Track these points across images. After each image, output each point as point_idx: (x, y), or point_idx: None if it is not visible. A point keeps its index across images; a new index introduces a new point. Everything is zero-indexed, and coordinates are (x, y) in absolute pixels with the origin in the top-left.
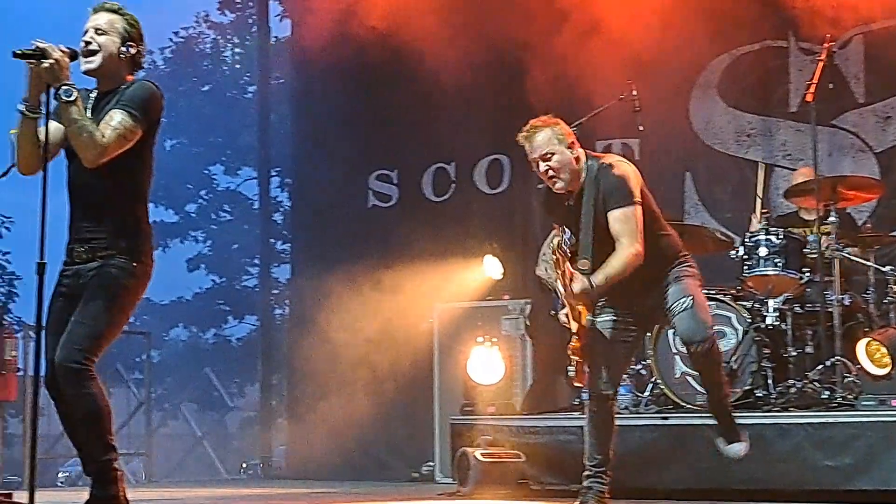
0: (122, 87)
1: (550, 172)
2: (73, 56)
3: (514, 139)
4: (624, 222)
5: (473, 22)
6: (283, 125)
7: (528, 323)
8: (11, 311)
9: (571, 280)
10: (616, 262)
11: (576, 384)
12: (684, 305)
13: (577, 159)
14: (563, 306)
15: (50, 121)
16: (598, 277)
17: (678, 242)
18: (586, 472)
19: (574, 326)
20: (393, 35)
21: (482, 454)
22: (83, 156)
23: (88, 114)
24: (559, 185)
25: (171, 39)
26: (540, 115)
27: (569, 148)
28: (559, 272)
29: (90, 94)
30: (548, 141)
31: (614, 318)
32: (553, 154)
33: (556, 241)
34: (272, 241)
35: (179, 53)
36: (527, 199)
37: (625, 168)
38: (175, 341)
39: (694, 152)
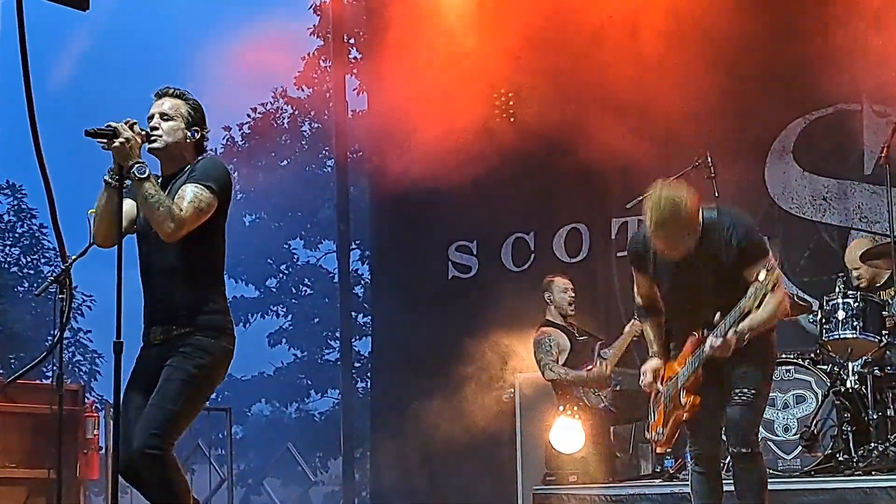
0: (188, 167)
1: (668, 242)
2: (147, 137)
3: (591, 208)
4: (761, 262)
5: (550, 89)
6: (362, 198)
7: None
8: (94, 390)
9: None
10: (763, 312)
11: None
12: (745, 398)
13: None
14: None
15: (125, 198)
16: (744, 325)
17: None
18: None
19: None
20: (471, 107)
21: None
22: (161, 230)
23: None
24: (676, 255)
25: (248, 115)
26: (615, 183)
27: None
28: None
29: (158, 179)
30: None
31: None
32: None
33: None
34: (353, 314)
35: (257, 129)
36: (606, 268)
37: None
38: (257, 416)
39: (770, 217)
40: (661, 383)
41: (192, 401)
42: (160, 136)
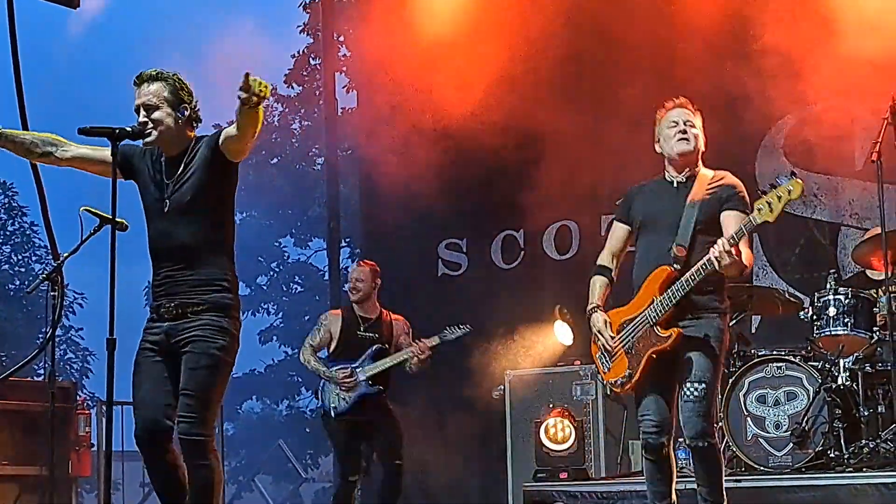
0: (191, 144)
1: (688, 134)
2: (139, 135)
3: (580, 204)
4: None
5: (542, 90)
6: (352, 196)
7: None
8: (85, 387)
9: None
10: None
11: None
12: (695, 395)
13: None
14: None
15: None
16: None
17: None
18: None
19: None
20: (461, 104)
21: None
22: (247, 147)
23: (163, 176)
24: (685, 146)
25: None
26: (608, 179)
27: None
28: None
29: (161, 157)
30: (694, 115)
31: None
32: (695, 126)
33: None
34: None
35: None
36: (595, 264)
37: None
38: (248, 414)
39: None
40: (612, 330)
41: (221, 383)
42: (151, 131)
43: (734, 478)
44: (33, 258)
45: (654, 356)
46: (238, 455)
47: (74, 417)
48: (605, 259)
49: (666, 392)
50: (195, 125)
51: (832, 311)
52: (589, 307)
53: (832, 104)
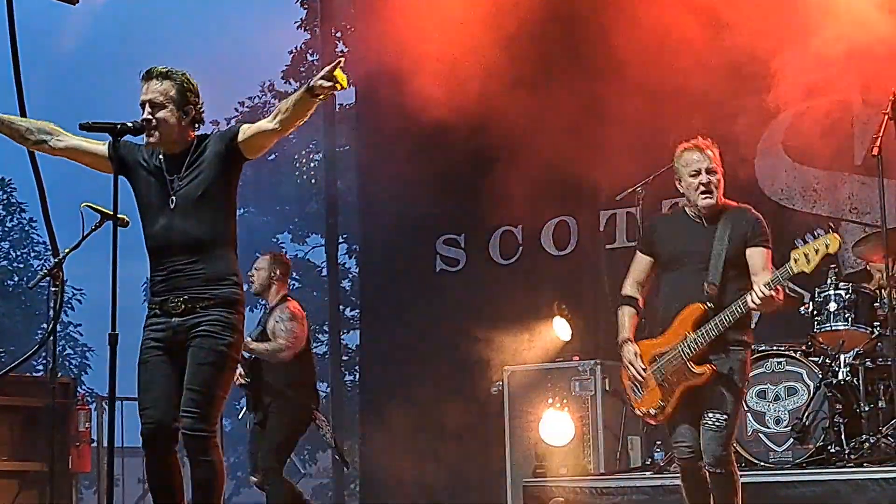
0: (194, 142)
1: (711, 186)
2: (138, 131)
3: (579, 200)
4: (768, 260)
5: (538, 85)
6: (350, 192)
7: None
8: (84, 383)
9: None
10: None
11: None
12: (717, 425)
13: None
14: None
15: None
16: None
17: None
18: None
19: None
20: (458, 100)
21: None
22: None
23: (165, 172)
24: (709, 201)
25: (236, 109)
26: (605, 173)
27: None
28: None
29: (159, 155)
30: (713, 159)
31: None
32: (716, 172)
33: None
34: (341, 307)
35: (245, 123)
36: (594, 260)
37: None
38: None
39: (759, 209)
40: (643, 362)
41: (227, 379)
42: (155, 131)
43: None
44: (32, 254)
45: (687, 390)
46: (236, 451)
47: (74, 413)
48: (629, 289)
49: (696, 419)
50: (197, 126)
51: (833, 306)
52: (619, 338)
53: (830, 99)
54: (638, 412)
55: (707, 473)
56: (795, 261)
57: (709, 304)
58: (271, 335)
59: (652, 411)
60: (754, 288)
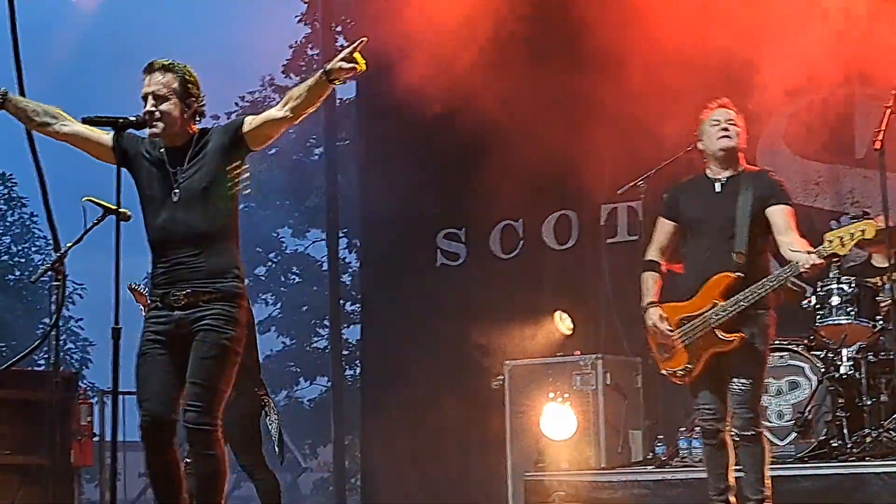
0: (196, 135)
1: (731, 129)
2: (144, 123)
3: (580, 194)
4: (791, 218)
5: (538, 79)
6: (350, 186)
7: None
8: (85, 378)
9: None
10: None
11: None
12: (742, 389)
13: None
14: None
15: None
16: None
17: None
18: None
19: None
20: (459, 94)
21: None
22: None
23: (167, 165)
24: (728, 142)
25: (236, 104)
26: (606, 167)
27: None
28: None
29: (161, 148)
30: (736, 116)
31: None
32: (737, 125)
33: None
34: (341, 302)
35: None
36: (595, 254)
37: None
38: None
39: None
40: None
41: (230, 373)
42: (158, 122)
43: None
44: (33, 249)
45: (714, 354)
46: None
47: (76, 407)
48: (653, 254)
49: (720, 384)
50: (199, 119)
51: (835, 299)
52: (644, 302)
53: (832, 92)
54: (664, 371)
55: (731, 440)
56: (830, 242)
57: (738, 273)
58: None
59: (679, 372)
60: (795, 255)
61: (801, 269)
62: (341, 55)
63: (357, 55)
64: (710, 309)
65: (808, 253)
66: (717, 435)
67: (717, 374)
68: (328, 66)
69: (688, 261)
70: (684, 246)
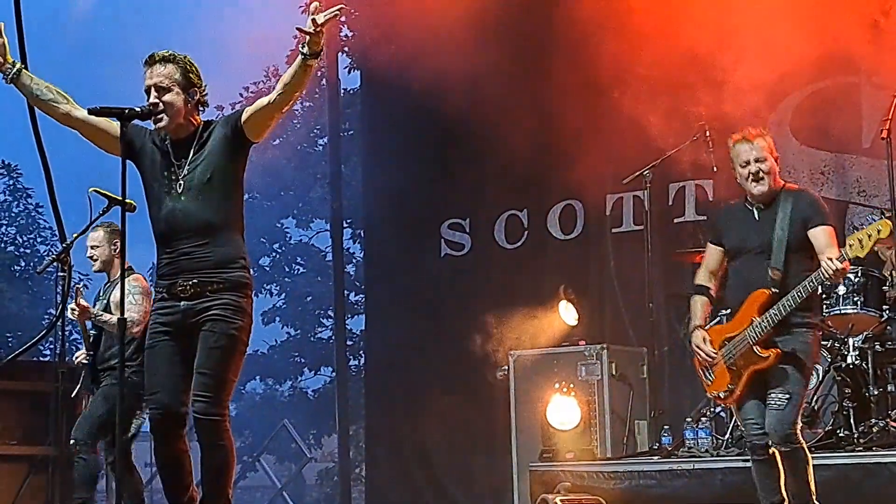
0: (200, 126)
1: (761, 174)
2: (149, 115)
3: (585, 184)
4: (832, 237)
5: (542, 70)
6: (355, 177)
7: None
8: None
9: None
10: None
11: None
12: (779, 404)
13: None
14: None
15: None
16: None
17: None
18: None
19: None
20: (463, 85)
21: (562, 500)
22: (277, 117)
23: (172, 156)
24: (761, 189)
25: (241, 94)
26: (613, 159)
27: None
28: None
29: (166, 139)
30: (763, 147)
31: None
32: (766, 160)
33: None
34: (346, 292)
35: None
36: (601, 245)
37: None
38: (251, 394)
39: None
40: (711, 347)
41: (237, 363)
42: (163, 115)
43: (742, 458)
44: (38, 240)
45: (754, 372)
46: (242, 435)
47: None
48: (702, 279)
49: (763, 399)
50: (202, 109)
51: (842, 289)
52: (691, 326)
53: (838, 81)
54: (709, 395)
55: (777, 453)
56: (850, 246)
57: (773, 290)
58: (116, 308)
59: (721, 394)
60: (823, 263)
61: (825, 276)
62: (306, 27)
63: (317, 17)
64: (748, 327)
65: (830, 259)
66: (766, 449)
67: (761, 390)
68: (301, 48)
69: (729, 284)
70: (728, 269)
